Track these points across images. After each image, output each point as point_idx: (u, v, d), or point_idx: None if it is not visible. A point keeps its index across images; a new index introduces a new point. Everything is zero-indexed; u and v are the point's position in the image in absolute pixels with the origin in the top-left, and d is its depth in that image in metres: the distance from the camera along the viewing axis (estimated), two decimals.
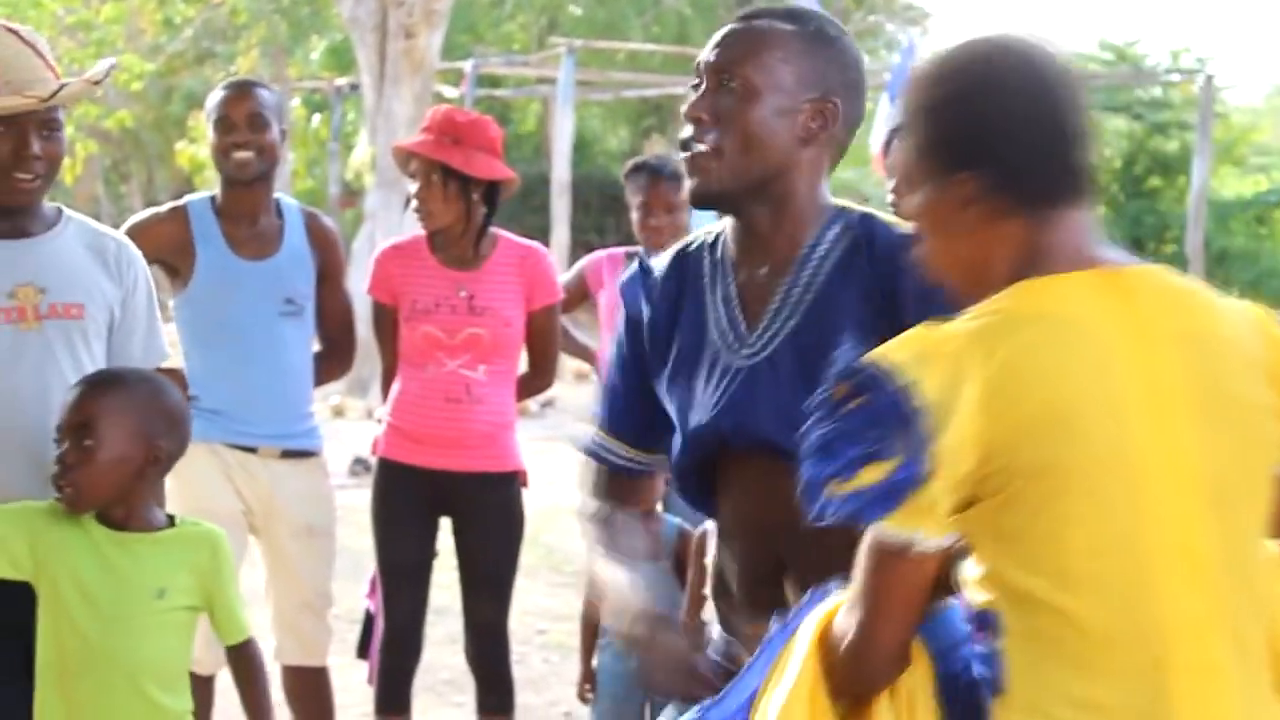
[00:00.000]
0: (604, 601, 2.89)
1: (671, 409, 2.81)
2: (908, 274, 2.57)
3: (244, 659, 3.69)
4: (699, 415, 2.73)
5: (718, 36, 2.74)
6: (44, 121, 3.56)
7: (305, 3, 24.73)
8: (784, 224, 2.74)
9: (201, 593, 3.57)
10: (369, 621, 5.51)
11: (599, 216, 26.51)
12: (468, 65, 20.23)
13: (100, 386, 3.51)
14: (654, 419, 2.87)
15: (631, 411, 2.90)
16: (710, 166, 2.68)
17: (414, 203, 5.16)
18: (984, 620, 2.16)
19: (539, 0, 28.01)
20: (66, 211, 3.78)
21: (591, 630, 5.18)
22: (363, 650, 5.57)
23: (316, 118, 24.74)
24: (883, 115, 12.51)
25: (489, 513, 5.25)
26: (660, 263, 2.89)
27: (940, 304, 2.50)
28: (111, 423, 3.47)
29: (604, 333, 5.97)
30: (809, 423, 2.13)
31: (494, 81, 24.75)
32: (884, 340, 2.56)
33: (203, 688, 4.79)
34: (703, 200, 2.73)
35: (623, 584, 2.80)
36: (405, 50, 16.35)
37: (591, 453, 2.97)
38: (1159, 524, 2.09)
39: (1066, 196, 2.23)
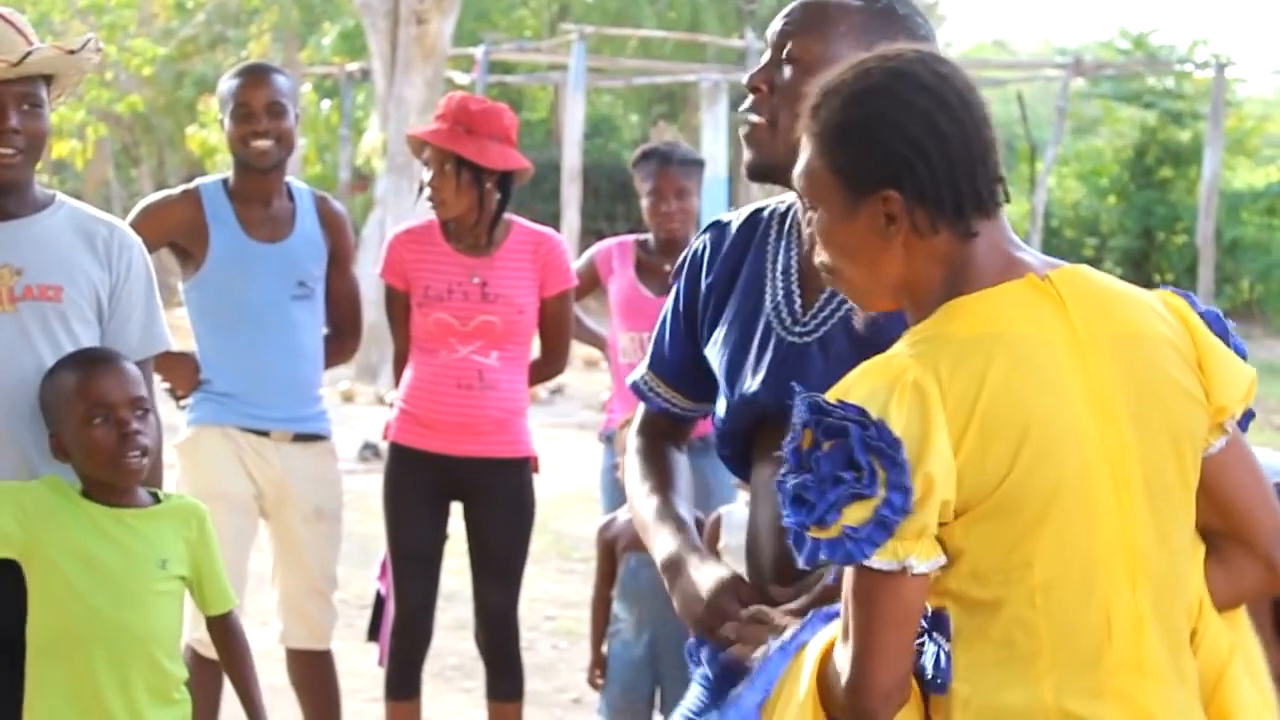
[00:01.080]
0: (640, 526, 2.97)
1: (718, 371, 2.83)
2: None
3: (230, 629, 3.73)
4: (744, 384, 2.75)
5: (786, 9, 2.76)
6: (23, 95, 3.49)
7: None
8: None
9: (191, 564, 3.62)
10: (380, 604, 5.51)
11: (609, 203, 26.52)
12: (479, 51, 20.23)
13: (118, 358, 3.57)
14: (698, 370, 2.91)
15: (676, 358, 2.94)
16: (764, 138, 2.71)
17: (427, 190, 5.16)
18: (936, 621, 2.20)
19: None
20: (61, 197, 3.73)
21: (602, 616, 5.19)
22: (373, 633, 5.57)
23: (326, 103, 24.74)
24: None
25: (500, 498, 5.25)
26: (732, 221, 2.90)
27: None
28: (150, 392, 3.58)
29: (614, 320, 5.97)
30: (782, 472, 2.16)
31: (505, 68, 24.73)
32: None
33: (213, 671, 4.80)
34: (755, 173, 2.76)
35: (651, 519, 2.89)
36: (417, 36, 16.34)
37: (638, 390, 3.02)
38: (1106, 528, 2.17)
39: (985, 207, 2.25)
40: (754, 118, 2.72)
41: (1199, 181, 21.36)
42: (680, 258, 2.96)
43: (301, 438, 5.04)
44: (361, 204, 21.15)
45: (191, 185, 5.15)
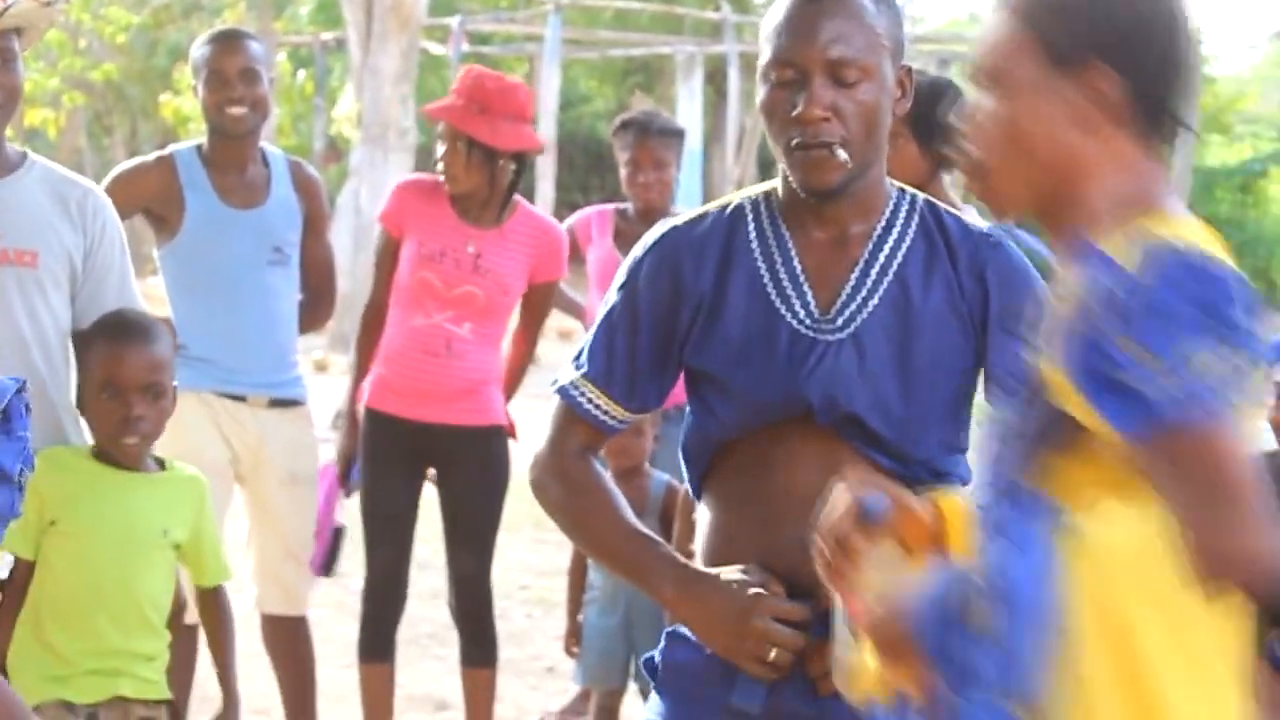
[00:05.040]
0: (617, 564, 2.86)
1: (718, 374, 2.69)
2: (994, 271, 2.65)
3: (220, 603, 3.79)
4: (771, 384, 2.63)
5: (806, 19, 2.59)
6: None
7: None
8: (859, 200, 2.68)
9: (190, 534, 3.64)
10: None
11: (584, 175, 26.48)
12: (454, 22, 20.17)
13: (148, 336, 3.58)
14: (660, 382, 2.77)
15: (636, 372, 2.75)
16: (842, 165, 2.60)
17: (440, 164, 5.13)
18: None
19: None
20: (33, 156, 3.69)
21: (578, 584, 5.21)
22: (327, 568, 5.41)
23: (302, 73, 24.64)
24: None
25: (471, 465, 5.24)
26: (699, 222, 2.76)
27: (1024, 300, 2.51)
28: (170, 371, 3.61)
29: (593, 288, 5.97)
30: (1137, 308, 1.86)
31: (481, 39, 24.65)
32: (964, 335, 2.61)
33: (188, 640, 4.78)
34: (828, 196, 2.63)
35: (629, 550, 2.74)
36: (392, 6, 16.26)
37: (568, 396, 2.79)
38: None
39: (1173, 129, 2.05)
40: (827, 145, 2.57)
41: (1173, 158, 21.43)
42: (631, 262, 2.78)
43: (278, 403, 5.02)
44: (336, 174, 21.11)
45: (165, 152, 5.13)
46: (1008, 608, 1.91)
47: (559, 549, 7.18)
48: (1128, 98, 1.99)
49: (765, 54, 2.63)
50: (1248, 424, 1.88)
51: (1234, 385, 1.85)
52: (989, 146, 2.06)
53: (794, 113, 2.58)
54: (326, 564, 5.37)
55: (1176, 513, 1.86)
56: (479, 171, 5.08)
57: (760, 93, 2.67)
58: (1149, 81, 2.00)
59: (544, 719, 6.10)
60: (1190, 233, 1.94)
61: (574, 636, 5.24)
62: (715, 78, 23.07)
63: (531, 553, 8.34)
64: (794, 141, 2.60)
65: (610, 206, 6.17)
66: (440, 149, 5.13)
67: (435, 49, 20.77)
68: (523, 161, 5.16)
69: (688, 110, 19.21)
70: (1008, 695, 1.90)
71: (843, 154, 2.58)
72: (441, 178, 5.16)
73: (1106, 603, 1.89)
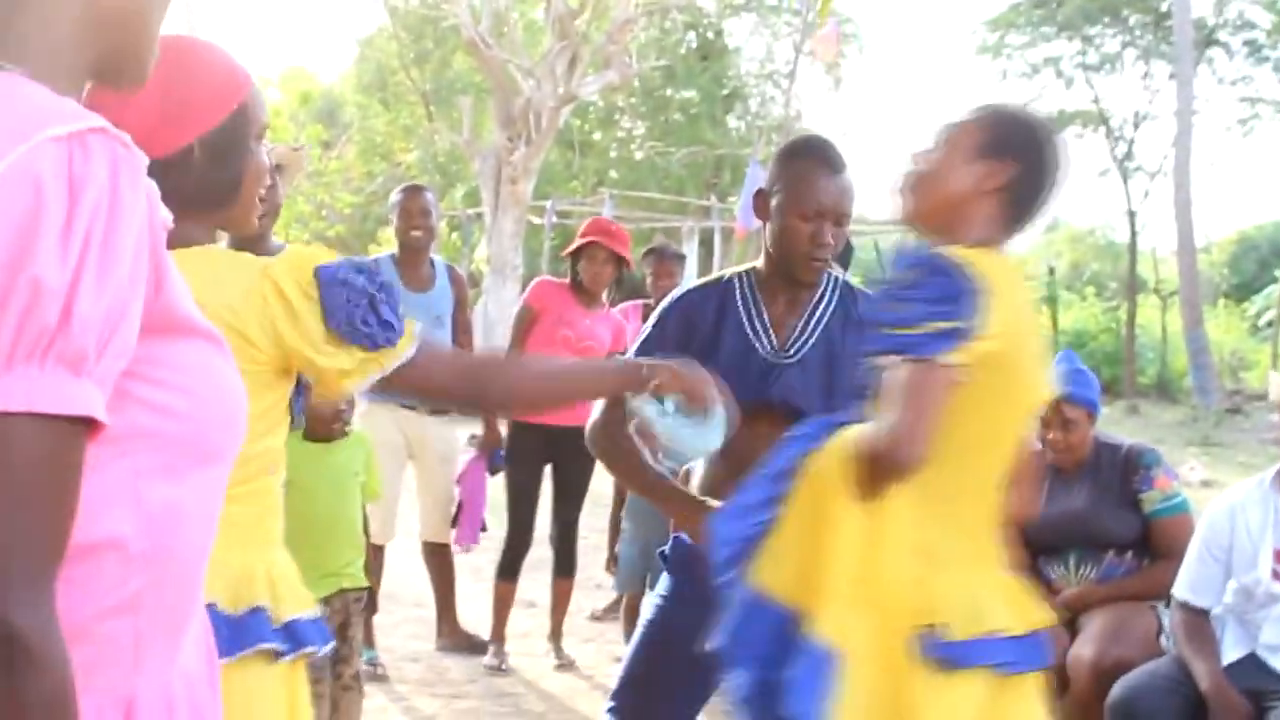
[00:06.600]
0: (645, 492, 2.78)
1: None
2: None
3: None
4: (748, 390, 2.52)
5: (835, 188, 2.62)
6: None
7: (454, 162, 24.84)
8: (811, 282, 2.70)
9: (365, 470, 3.60)
10: (459, 506, 5.18)
11: (618, 299, 26.31)
12: (548, 204, 20.27)
13: None
14: None
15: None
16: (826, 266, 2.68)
17: (583, 274, 5.09)
18: None
19: (591, 166, 28.03)
20: (289, 245, 3.74)
21: (615, 529, 5.19)
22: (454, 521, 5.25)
23: (454, 234, 24.72)
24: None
25: (574, 453, 5.14)
26: (705, 287, 2.75)
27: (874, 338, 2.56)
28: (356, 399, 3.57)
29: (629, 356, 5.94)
30: (885, 289, 1.95)
31: (563, 214, 24.74)
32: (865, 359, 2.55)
33: (377, 555, 4.75)
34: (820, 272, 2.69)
35: (658, 482, 2.69)
36: (511, 192, 16.42)
37: None
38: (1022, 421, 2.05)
39: (1027, 219, 2.07)
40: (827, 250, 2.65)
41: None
42: (663, 307, 2.76)
43: (435, 411, 4.95)
44: (474, 295, 21.09)
45: (373, 257, 5.11)
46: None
47: (604, 510, 7.11)
48: (1013, 181, 2.04)
49: (794, 200, 2.60)
50: (951, 366, 1.88)
51: (942, 342, 1.86)
52: (917, 185, 2.09)
53: (816, 238, 2.61)
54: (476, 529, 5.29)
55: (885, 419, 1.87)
56: (610, 273, 5.10)
57: (782, 221, 2.64)
58: (1031, 175, 2.05)
59: (593, 614, 6.01)
60: (1017, 270, 2.06)
61: (612, 561, 5.19)
62: (705, 242, 23.11)
63: (587, 514, 8.24)
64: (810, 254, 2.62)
65: (640, 301, 6.17)
66: (583, 263, 5.09)
67: (535, 219, 20.82)
68: (625, 270, 5.19)
69: (688, 262, 19.17)
70: None
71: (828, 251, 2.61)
72: (562, 280, 5.16)
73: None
